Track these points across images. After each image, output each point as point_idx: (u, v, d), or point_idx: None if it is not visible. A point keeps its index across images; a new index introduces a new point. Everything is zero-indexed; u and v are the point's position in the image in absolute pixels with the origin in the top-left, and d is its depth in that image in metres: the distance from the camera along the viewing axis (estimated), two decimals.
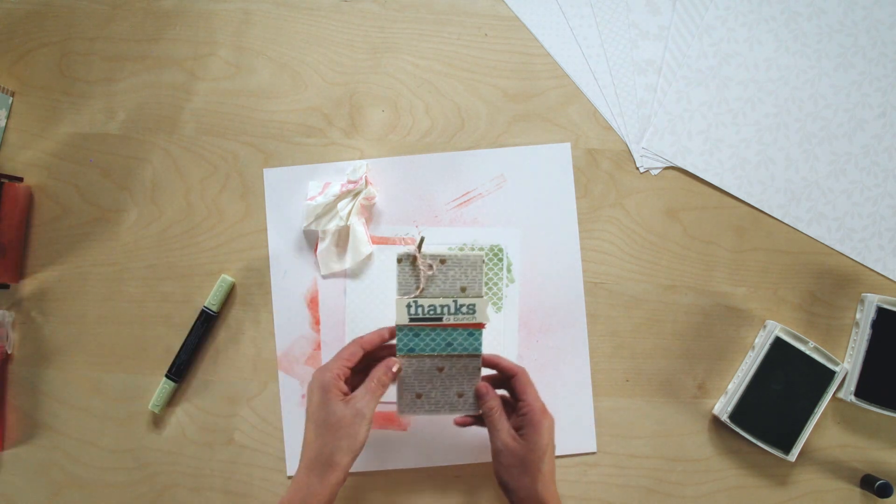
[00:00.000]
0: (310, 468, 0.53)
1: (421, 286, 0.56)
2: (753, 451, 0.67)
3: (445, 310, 0.57)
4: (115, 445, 0.68)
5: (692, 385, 0.69)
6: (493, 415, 0.58)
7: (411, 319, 0.57)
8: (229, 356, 0.69)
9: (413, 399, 0.58)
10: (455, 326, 0.57)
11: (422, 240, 0.57)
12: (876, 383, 0.66)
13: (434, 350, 0.58)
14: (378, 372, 0.56)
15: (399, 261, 0.57)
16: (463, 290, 0.57)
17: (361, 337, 0.58)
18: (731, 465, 0.68)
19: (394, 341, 0.59)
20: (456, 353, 0.58)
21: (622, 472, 0.68)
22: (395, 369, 0.57)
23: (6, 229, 0.66)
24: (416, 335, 0.57)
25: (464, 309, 0.57)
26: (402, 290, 0.57)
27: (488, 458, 0.67)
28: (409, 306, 0.57)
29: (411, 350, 0.58)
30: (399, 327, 0.57)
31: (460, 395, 0.59)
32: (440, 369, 0.58)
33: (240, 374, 0.69)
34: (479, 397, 0.59)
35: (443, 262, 0.57)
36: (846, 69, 0.70)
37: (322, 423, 0.53)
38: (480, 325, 0.58)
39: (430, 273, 0.57)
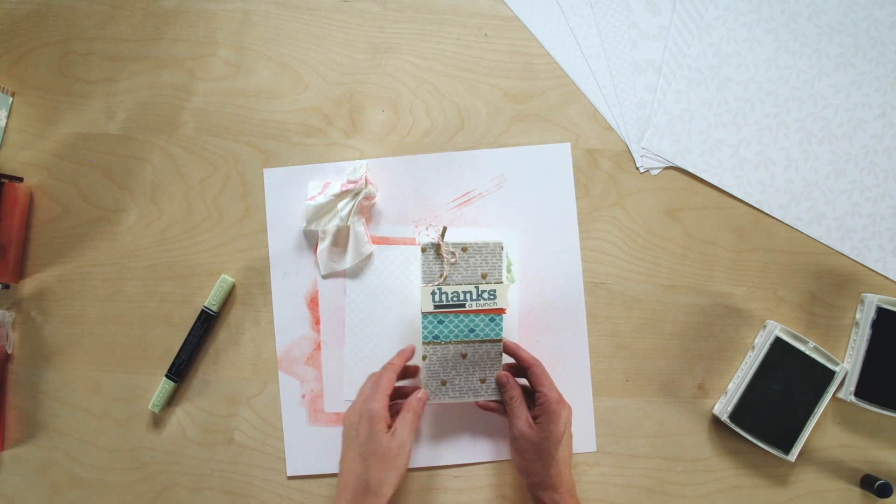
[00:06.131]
0: (356, 498, 0.55)
1: (444, 273, 0.59)
2: (753, 451, 0.67)
3: (468, 296, 0.60)
4: (115, 445, 0.68)
5: (692, 385, 0.69)
6: (513, 403, 0.61)
7: (436, 306, 0.60)
8: (229, 356, 0.69)
9: (438, 386, 0.61)
10: (477, 312, 0.60)
11: (444, 229, 0.60)
12: (876, 383, 0.66)
13: (457, 336, 0.60)
14: (412, 404, 0.59)
15: (423, 250, 0.60)
16: (484, 276, 0.60)
17: (391, 363, 0.61)
18: (731, 465, 0.68)
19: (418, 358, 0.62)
20: (478, 338, 0.61)
21: (622, 472, 0.68)
22: (421, 397, 0.60)
23: (6, 229, 0.66)
24: (440, 322, 0.60)
25: (485, 295, 0.60)
26: (427, 279, 0.60)
27: (487, 458, 0.67)
28: (433, 293, 0.60)
29: (436, 337, 0.60)
30: (424, 315, 0.60)
31: (483, 381, 0.61)
32: (463, 356, 0.61)
33: (240, 374, 0.69)
34: (500, 386, 0.62)
35: (464, 249, 0.60)
36: (846, 69, 0.70)
37: (370, 455, 0.56)
38: (501, 311, 0.61)
39: (452, 261, 0.60)
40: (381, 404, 0.57)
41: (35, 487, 0.68)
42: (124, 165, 0.70)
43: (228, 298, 0.69)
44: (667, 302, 0.69)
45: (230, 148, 0.70)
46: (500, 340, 0.61)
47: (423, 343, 0.60)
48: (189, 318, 0.69)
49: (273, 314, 0.69)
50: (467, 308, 0.60)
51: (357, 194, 0.66)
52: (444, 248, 0.60)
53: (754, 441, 0.65)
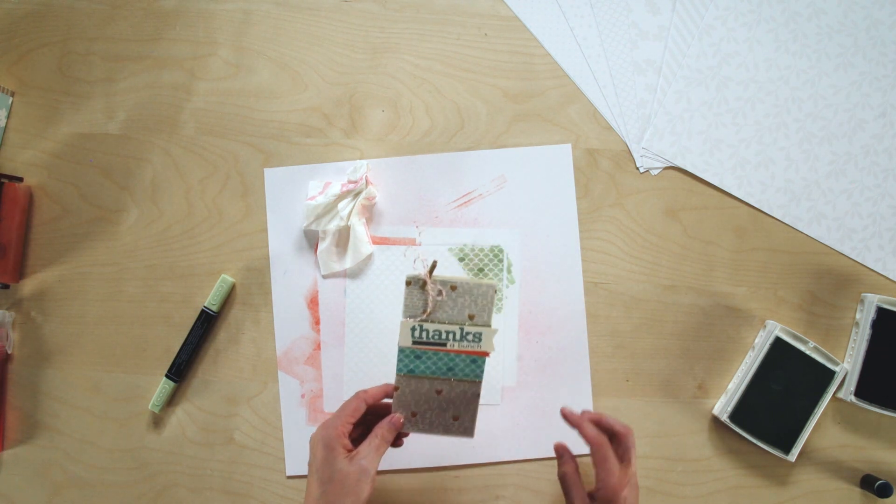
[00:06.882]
0: None
1: (428, 310, 0.55)
2: (753, 451, 0.67)
3: (450, 336, 0.56)
4: (115, 445, 0.68)
5: (692, 385, 0.69)
6: (566, 480, 0.58)
7: (414, 342, 0.56)
8: (229, 356, 0.69)
9: (408, 416, 0.57)
10: (459, 353, 0.56)
11: (434, 264, 0.55)
12: (876, 383, 0.66)
13: (434, 373, 0.57)
14: (381, 429, 0.56)
15: (408, 283, 0.55)
16: (471, 317, 0.56)
17: (365, 391, 0.57)
18: (731, 465, 0.68)
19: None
20: (457, 377, 0.57)
21: None
22: (394, 422, 0.56)
23: (6, 229, 0.66)
24: (418, 357, 0.56)
25: (469, 336, 0.56)
26: (409, 313, 0.56)
27: (487, 459, 0.67)
28: (413, 329, 0.56)
29: (411, 371, 0.57)
30: (401, 349, 0.56)
31: (456, 419, 0.58)
32: (438, 392, 0.57)
33: (240, 374, 0.69)
34: (557, 456, 0.59)
35: (453, 288, 0.55)
36: (846, 69, 0.70)
37: (327, 481, 0.53)
38: (485, 354, 0.57)
39: (439, 298, 0.55)
40: (338, 430, 0.54)
41: (35, 487, 0.68)
42: (124, 165, 0.70)
43: (228, 298, 0.69)
44: (667, 302, 0.69)
45: (230, 148, 0.70)
46: (479, 382, 0.57)
47: (398, 375, 0.57)
48: (189, 318, 0.69)
49: (273, 314, 0.69)
50: (448, 348, 0.56)
51: (357, 194, 0.66)
52: (430, 286, 0.55)
53: (754, 441, 0.65)
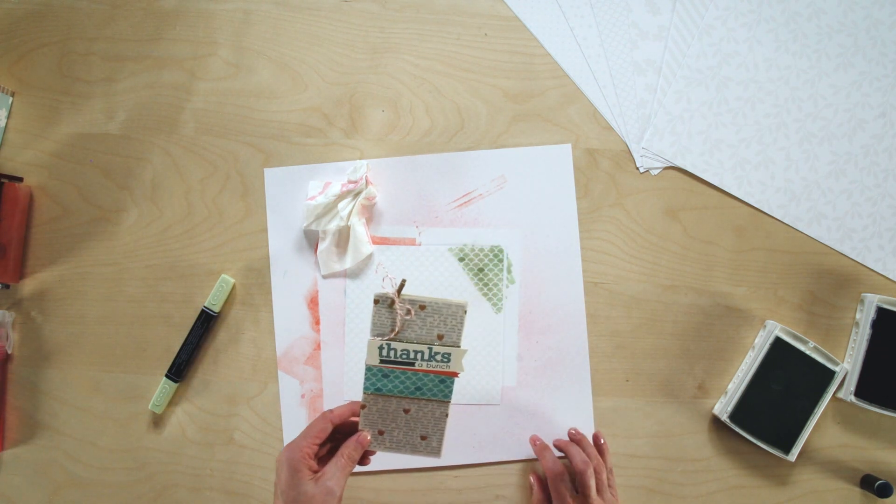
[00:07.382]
0: None
1: (396, 329, 0.55)
2: (753, 451, 0.67)
3: (419, 356, 0.56)
4: (115, 445, 0.68)
5: (692, 385, 0.69)
6: None
7: (382, 361, 0.56)
8: (229, 356, 0.69)
9: (375, 435, 0.57)
10: (427, 372, 0.56)
11: (402, 283, 0.55)
12: (876, 383, 0.66)
13: (402, 392, 0.56)
14: (348, 448, 0.55)
15: (376, 301, 0.55)
16: (440, 337, 0.56)
17: (331, 411, 0.57)
18: (731, 465, 0.68)
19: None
20: (425, 397, 0.57)
21: (622, 472, 0.68)
22: (360, 441, 0.56)
23: (6, 229, 0.66)
24: (386, 376, 0.56)
25: (438, 357, 0.56)
26: (376, 331, 0.55)
27: (487, 459, 0.67)
28: (381, 348, 0.55)
29: (378, 390, 0.56)
30: (368, 367, 0.56)
31: (423, 438, 0.58)
32: (406, 411, 0.57)
33: (240, 374, 0.69)
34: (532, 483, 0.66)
35: (422, 307, 0.55)
36: (846, 69, 0.70)
37: (292, 503, 0.52)
38: (454, 374, 0.57)
39: (407, 318, 0.55)
40: (303, 452, 0.53)
41: (35, 487, 0.68)
42: (124, 165, 0.70)
43: (228, 298, 0.69)
44: (667, 302, 0.69)
45: (230, 148, 0.70)
46: (447, 402, 0.57)
47: (364, 393, 0.56)
48: (189, 318, 0.69)
49: (273, 314, 0.69)
50: (416, 367, 0.56)
51: (357, 194, 0.66)
52: (398, 304, 0.54)
53: (754, 441, 0.65)
